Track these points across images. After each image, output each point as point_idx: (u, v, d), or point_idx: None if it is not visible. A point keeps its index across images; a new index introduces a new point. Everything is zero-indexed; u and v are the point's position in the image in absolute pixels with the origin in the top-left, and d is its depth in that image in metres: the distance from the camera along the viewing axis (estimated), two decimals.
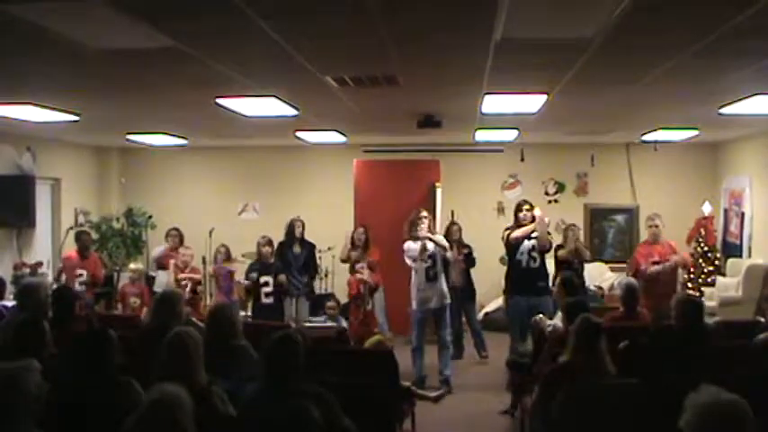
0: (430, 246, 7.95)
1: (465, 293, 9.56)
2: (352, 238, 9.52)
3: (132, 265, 9.90)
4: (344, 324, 8.29)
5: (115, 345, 4.02)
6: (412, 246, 7.97)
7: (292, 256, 9.54)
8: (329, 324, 8.26)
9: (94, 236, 11.86)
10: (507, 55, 5.06)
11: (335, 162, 12.48)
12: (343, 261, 9.56)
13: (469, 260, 9.64)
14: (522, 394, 6.23)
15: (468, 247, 9.68)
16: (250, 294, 9.09)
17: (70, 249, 9.64)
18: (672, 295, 5.96)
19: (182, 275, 8.96)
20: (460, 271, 9.49)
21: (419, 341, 8.11)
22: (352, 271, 9.06)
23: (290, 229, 9.64)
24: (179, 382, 3.31)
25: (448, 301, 8.20)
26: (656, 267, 8.33)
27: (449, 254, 8.32)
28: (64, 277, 9.11)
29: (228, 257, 9.46)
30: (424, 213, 8.13)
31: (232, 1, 3.76)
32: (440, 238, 8.22)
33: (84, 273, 9.04)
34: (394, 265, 8.78)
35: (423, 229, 7.95)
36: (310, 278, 9.86)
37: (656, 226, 8.61)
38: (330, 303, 8.62)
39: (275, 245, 9.28)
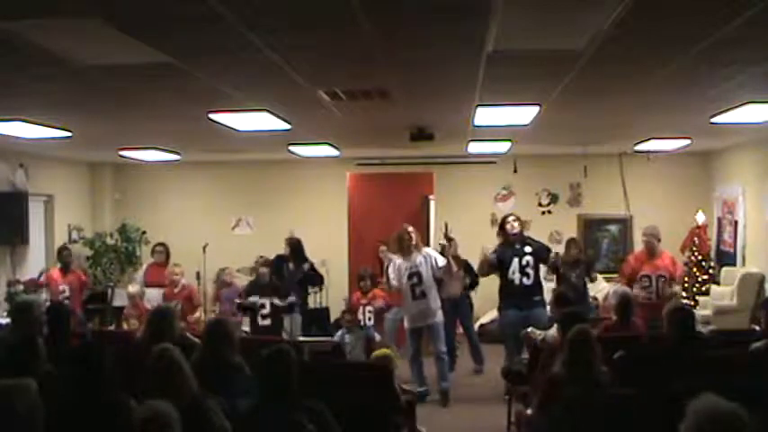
0: (417, 260, 7.91)
1: (462, 306, 9.36)
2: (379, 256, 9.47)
3: (131, 289, 9.73)
4: (376, 336, 8.14)
5: (110, 361, 3.99)
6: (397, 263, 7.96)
7: (288, 273, 9.55)
8: (336, 338, 8.06)
9: (88, 252, 11.87)
10: (499, 67, 5.07)
11: (329, 175, 12.47)
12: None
13: (472, 283, 9.38)
14: (518, 403, 6.22)
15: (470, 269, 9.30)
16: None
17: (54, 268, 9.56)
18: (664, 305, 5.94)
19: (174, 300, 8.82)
20: (460, 286, 9.21)
21: (414, 351, 8.11)
22: (358, 287, 8.85)
23: (295, 246, 9.67)
24: (166, 398, 3.30)
25: (437, 319, 8.06)
26: (644, 294, 7.81)
27: (440, 262, 7.97)
28: (48, 295, 9.00)
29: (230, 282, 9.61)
30: (410, 228, 8.07)
31: (224, 16, 3.76)
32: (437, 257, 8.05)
33: (67, 289, 8.98)
34: None
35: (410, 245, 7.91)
36: (305, 292, 9.84)
37: (658, 240, 8.06)
38: (348, 317, 8.15)
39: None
